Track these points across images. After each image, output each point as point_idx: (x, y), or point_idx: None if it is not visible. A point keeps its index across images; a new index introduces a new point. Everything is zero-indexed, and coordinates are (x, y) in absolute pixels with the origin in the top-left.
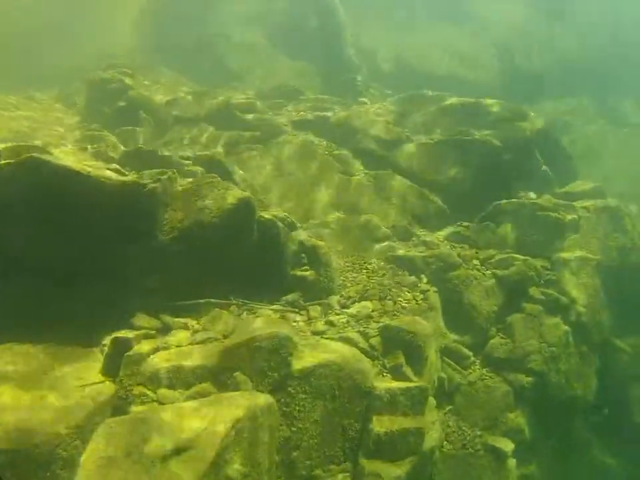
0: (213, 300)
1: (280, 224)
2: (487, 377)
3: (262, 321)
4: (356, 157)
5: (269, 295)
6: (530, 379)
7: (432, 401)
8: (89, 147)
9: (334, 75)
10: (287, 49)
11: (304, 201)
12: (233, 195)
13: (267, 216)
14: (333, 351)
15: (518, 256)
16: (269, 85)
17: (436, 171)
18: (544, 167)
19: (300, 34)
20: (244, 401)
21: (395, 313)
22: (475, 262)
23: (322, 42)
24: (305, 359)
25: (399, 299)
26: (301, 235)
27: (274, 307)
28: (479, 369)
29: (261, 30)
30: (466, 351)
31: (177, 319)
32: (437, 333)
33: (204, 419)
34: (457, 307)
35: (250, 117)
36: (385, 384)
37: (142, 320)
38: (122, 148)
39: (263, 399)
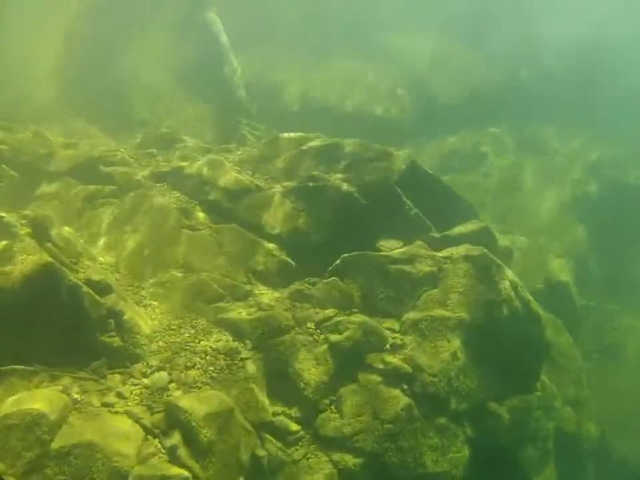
0: (17, 367)
1: (85, 289)
2: (312, 456)
3: (18, 397)
4: (203, 211)
5: (77, 362)
6: (359, 460)
7: None
8: None
9: (224, 118)
10: (193, 93)
11: (142, 259)
12: (33, 261)
13: (73, 280)
14: (99, 429)
15: (355, 318)
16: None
17: (282, 222)
18: (414, 211)
19: (204, 77)
20: None
21: (198, 384)
22: (310, 325)
23: (214, 85)
24: (70, 437)
25: (211, 368)
26: (111, 299)
27: (79, 374)
28: (306, 445)
29: (169, 74)
30: (293, 425)
31: None
32: (250, 408)
33: None
34: (284, 377)
35: (110, 169)
36: (146, 469)
37: None
38: None
39: None
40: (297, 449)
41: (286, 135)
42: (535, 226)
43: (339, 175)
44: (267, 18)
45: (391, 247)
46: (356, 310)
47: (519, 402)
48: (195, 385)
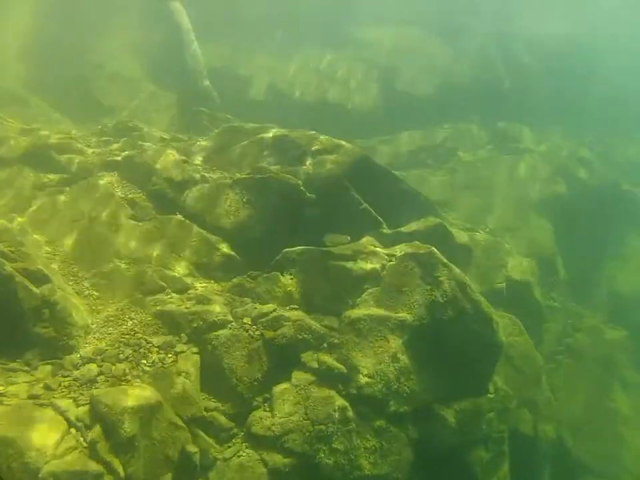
0: None
1: (19, 278)
2: (244, 455)
3: None
4: (149, 201)
5: (10, 352)
6: (288, 460)
7: None
8: None
9: (188, 108)
10: (160, 82)
11: (86, 248)
12: None
13: (7, 270)
14: (19, 422)
15: (291, 315)
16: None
17: (226, 214)
18: (364, 206)
19: (170, 66)
20: None
21: (127, 378)
22: (246, 320)
23: (178, 74)
24: None
25: (143, 361)
26: (47, 289)
27: (9, 365)
28: (239, 443)
29: (137, 62)
30: (226, 422)
31: None
32: (182, 403)
33: None
34: (218, 372)
35: (64, 157)
36: (59, 465)
37: None
38: None
39: None
40: (229, 446)
41: (237, 124)
42: (501, 224)
43: (288, 167)
44: (237, 7)
45: (337, 242)
46: (295, 306)
47: (469, 404)
48: (124, 378)
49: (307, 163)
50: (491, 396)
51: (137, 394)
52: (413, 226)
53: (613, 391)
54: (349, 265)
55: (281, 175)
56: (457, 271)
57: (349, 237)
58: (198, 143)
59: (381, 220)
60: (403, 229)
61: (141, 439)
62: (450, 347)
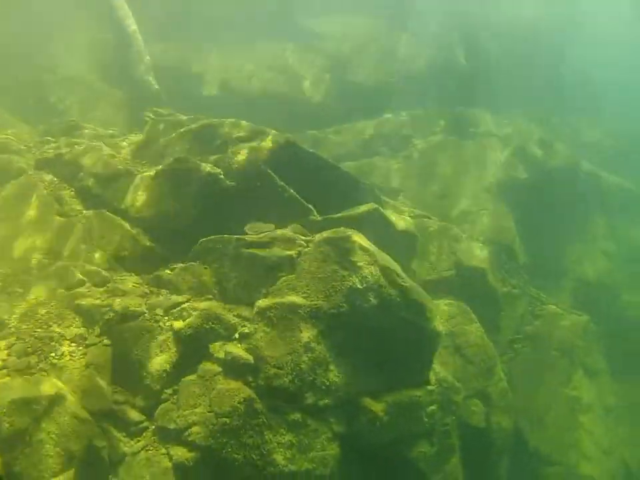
0: None
1: None
2: (151, 449)
3: None
4: (75, 196)
5: None
6: (193, 454)
7: None
8: None
9: (134, 106)
10: (110, 82)
11: (13, 246)
12: None
13: None
14: None
15: (200, 305)
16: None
17: (148, 206)
18: (289, 193)
19: (117, 65)
20: None
21: (32, 371)
22: (159, 311)
23: (124, 72)
24: None
25: (52, 354)
26: None
27: None
28: (148, 437)
29: (90, 62)
30: (136, 415)
31: None
32: (90, 395)
33: None
34: (128, 364)
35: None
36: None
37: None
38: None
39: None
40: (138, 441)
41: (168, 117)
42: (458, 210)
43: (211, 157)
44: (190, 5)
45: (259, 231)
46: (210, 296)
47: (404, 397)
48: (28, 372)
49: (229, 151)
50: (432, 388)
51: (30, 386)
52: (345, 213)
53: (573, 379)
54: (263, 252)
55: (199, 164)
56: (382, 256)
57: (273, 226)
58: (130, 137)
59: (310, 207)
60: (332, 216)
61: (34, 433)
62: (377, 336)
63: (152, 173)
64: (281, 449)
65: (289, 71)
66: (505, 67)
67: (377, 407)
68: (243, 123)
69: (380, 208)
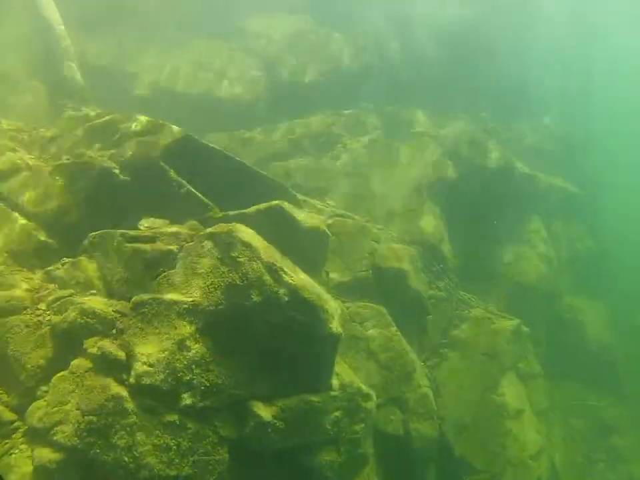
0: None
1: None
2: (17, 451)
3: None
4: None
5: None
6: (57, 455)
7: None
8: None
9: (58, 101)
10: (37, 77)
11: None
12: None
13: None
14: None
15: (79, 299)
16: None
17: (44, 200)
18: (186, 189)
19: (43, 60)
20: None
21: None
22: (41, 306)
23: (48, 68)
24: None
25: None
26: None
27: None
28: (18, 437)
29: (19, 57)
30: (9, 414)
31: None
32: None
33: None
34: (4, 360)
35: None
36: None
37: None
38: None
39: None
40: (5, 443)
41: (73, 112)
42: (384, 210)
43: (109, 152)
44: (125, 4)
45: (151, 226)
46: (94, 291)
47: (300, 402)
48: None
49: (125, 145)
50: (335, 393)
51: None
52: (248, 209)
53: (501, 384)
54: (145, 247)
55: (95, 158)
56: (269, 252)
57: (167, 221)
58: (41, 132)
59: (209, 203)
60: (231, 213)
61: None
62: (267, 337)
63: (50, 168)
64: (156, 452)
65: (220, 70)
66: (444, 68)
67: (267, 412)
68: (142, 117)
69: (283, 205)
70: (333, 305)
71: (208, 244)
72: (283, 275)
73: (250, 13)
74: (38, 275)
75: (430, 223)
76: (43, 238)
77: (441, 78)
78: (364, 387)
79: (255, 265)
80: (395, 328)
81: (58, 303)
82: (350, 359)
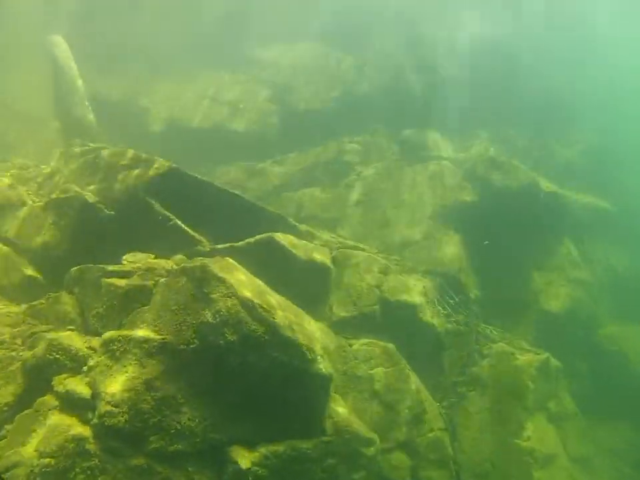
0: None
1: None
2: None
3: None
4: None
5: None
6: None
7: None
8: None
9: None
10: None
11: None
12: None
13: None
14: None
15: (51, 335)
16: None
17: (34, 235)
18: (173, 222)
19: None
20: None
21: None
22: (18, 341)
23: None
24: None
25: None
26: None
27: None
28: None
29: (41, 98)
30: None
31: None
32: None
33: None
34: None
35: None
36: None
37: None
38: None
39: None
40: None
41: (73, 149)
42: (399, 240)
43: (95, 186)
44: (136, 40)
45: (135, 261)
46: (72, 327)
47: (288, 448)
48: None
49: (113, 179)
50: (328, 439)
51: None
52: (240, 243)
53: (526, 427)
54: (120, 282)
55: (80, 193)
56: (250, 287)
57: (152, 255)
58: (40, 168)
59: (197, 236)
60: (219, 246)
61: None
62: (248, 378)
63: (42, 203)
64: None
65: (231, 102)
66: (463, 87)
67: (247, 459)
68: (129, 151)
69: (275, 237)
70: (317, 344)
71: (182, 279)
72: (262, 312)
73: (259, 43)
74: (22, 309)
75: (448, 251)
76: (29, 273)
77: (460, 97)
78: (363, 431)
79: (230, 302)
80: (402, 366)
81: (32, 338)
82: (351, 400)
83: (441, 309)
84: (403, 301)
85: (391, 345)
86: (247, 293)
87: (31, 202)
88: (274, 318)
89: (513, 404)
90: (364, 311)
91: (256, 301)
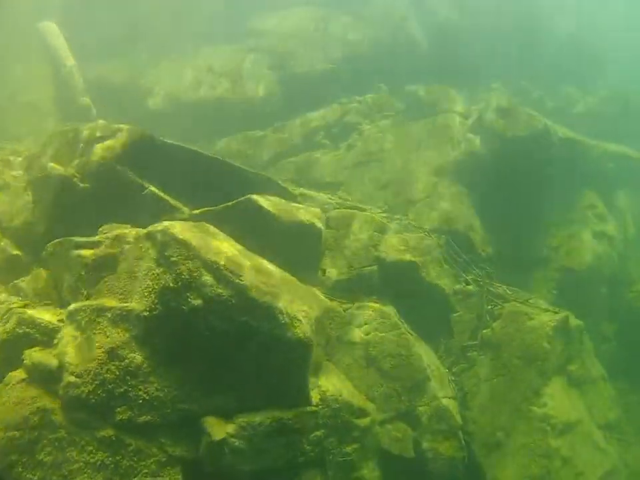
0: None
1: None
2: None
3: None
4: None
5: None
6: None
7: None
8: None
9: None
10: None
11: None
12: None
13: None
14: None
15: (22, 309)
16: None
17: (16, 215)
18: (148, 190)
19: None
20: None
21: None
22: None
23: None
24: None
25: None
26: None
27: None
28: None
29: (47, 89)
30: None
31: None
32: None
33: None
34: None
35: None
36: None
37: None
38: None
39: None
40: None
41: (66, 129)
42: (403, 198)
43: (74, 163)
44: (136, 20)
45: (110, 232)
46: (49, 301)
47: (267, 419)
48: None
49: (85, 152)
50: (313, 409)
51: None
52: (218, 207)
53: (543, 393)
54: (88, 252)
55: (55, 169)
56: (210, 250)
57: (128, 226)
58: (30, 152)
59: (174, 203)
60: (197, 211)
61: None
62: (221, 346)
63: (24, 184)
64: (90, 470)
65: (230, 73)
66: (473, 40)
67: (223, 430)
68: (100, 122)
69: (254, 199)
70: (294, 308)
71: (146, 244)
72: (228, 275)
73: (259, 11)
74: (3, 288)
75: (456, 207)
76: (14, 252)
77: (471, 49)
78: (356, 401)
79: (191, 265)
80: (402, 330)
81: (7, 314)
82: (345, 368)
83: (448, 267)
84: (401, 260)
85: (389, 308)
86: (212, 256)
87: (16, 184)
88: (241, 280)
89: (528, 368)
90: (361, 272)
91: (221, 262)
